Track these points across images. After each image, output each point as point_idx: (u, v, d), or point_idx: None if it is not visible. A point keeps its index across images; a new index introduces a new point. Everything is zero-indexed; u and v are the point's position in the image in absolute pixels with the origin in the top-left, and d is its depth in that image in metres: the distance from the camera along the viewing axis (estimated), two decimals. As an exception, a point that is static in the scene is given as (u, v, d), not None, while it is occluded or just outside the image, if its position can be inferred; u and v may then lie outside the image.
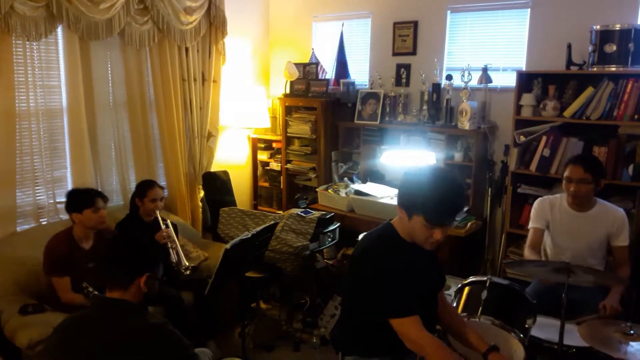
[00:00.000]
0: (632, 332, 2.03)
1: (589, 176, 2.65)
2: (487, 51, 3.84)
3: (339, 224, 3.79)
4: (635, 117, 3.11)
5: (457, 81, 3.82)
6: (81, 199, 2.83)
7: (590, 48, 3.22)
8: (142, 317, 1.75)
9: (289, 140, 4.63)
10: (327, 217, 3.72)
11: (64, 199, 3.40)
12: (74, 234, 2.87)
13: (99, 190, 3.00)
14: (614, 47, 3.12)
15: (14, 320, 2.70)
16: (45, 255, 2.82)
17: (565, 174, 2.73)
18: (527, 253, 2.86)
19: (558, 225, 2.81)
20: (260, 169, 4.89)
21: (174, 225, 3.37)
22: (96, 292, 2.57)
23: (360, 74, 4.49)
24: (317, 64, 4.47)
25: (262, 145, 4.88)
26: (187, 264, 3.15)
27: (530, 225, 2.91)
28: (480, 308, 2.19)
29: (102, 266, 1.80)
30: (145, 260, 1.84)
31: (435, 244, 1.87)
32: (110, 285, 1.77)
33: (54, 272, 2.79)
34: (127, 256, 1.82)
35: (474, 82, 3.75)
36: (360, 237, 2.19)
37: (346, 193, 4.08)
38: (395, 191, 3.89)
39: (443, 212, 1.81)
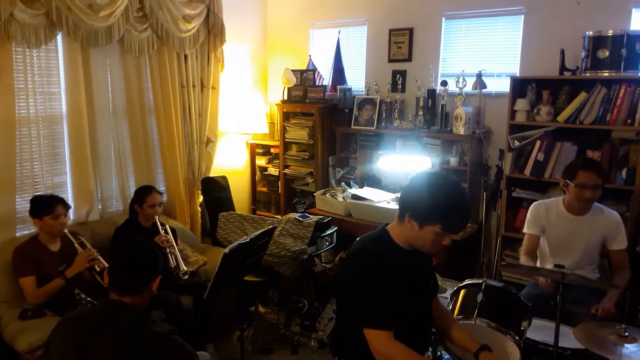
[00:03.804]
0: (626, 334, 2.04)
1: (601, 181, 2.67)
2: (481, 57, 3.89)
3: (336, 228, 3.81)
4: (628, 121, 3.15)
5: (452, 87, 3.86)
6: (41, 206, 2.89)
7: (583, 54, 3.26)
8: (146, 324, 1.75)
9: (286, 146, 4.67)
10: (325, 221, 3.74)
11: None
12: (40, 238, 2.93)
13: (62, 197, 3.00)
14: (607, 53, 3.15)
15: (13, 324, 2.72)
16: (14, 259, 2.87)
17: (578, 180, 2.66)
18: (523, 260, 2.87)
19: (555, 229, 2.82)
20: (258, 174, 4.92)
21: (173, 231, 3.40)
22: (89, 299, 2.59)
23: (356, 80, 4.53)
24: (314, 70, 4.51)
25: (261, 151, 4.91)
26: (185, 268, 3.17)
27: (526, 230, 2.91)
28: (476, 311, 2.20)
29: (116, 275, 1.80)
30: (157, 263, 1.88)
31: (439, 249, 1.89)
32: (121, 291, 1.78)
33: (21, 272, 2.83)
34: (142, 264, 1.84)
35: (468, 88, 3.79)
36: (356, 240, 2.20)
37: (343, 197, 4.11)
38: (392, 195, 3.96)
39: (461, 221, 1.89)
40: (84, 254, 2.89)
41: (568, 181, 2.72)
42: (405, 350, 1.82)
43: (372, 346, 1.82)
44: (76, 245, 2.96)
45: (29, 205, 3.02)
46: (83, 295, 2.58)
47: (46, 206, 2.88)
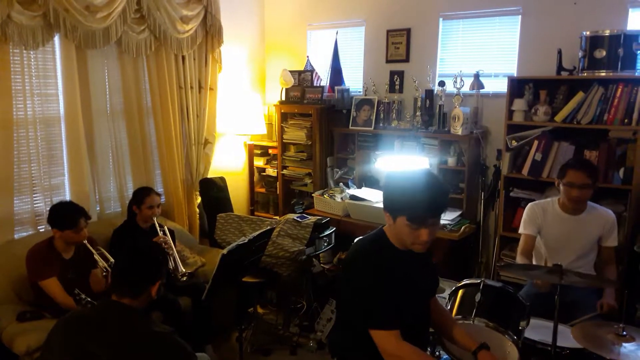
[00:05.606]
0: (624, 333, 2.05)
1: (591, 181, 2.67)
2: (478, 57, 3.89)
3: (334, 228, 3.81)
4: (625, 121, 3.16)
5: (449, 87, 3.86)
6: (63, 219, 2.82)
7: (580, 54, 3.27)
8: (147, 324, 1.76)
9: (284, 147, 4.67)
10: (323, 222, 3.74)
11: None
12: (55, 244, 2.87)
13: (82, 207, 2.94)
14: (604, 53, 3.16)
15: (12, 327, 2.71)
16: (28, 263, 2.82)
17: (567, 179, 2.70)
18: (519, 260, 2.88)
19: (551, 229, 2.83)
20: (256, 175, 4.92)
21: (171, 232, 3.39)
22: (89, 299, 2.59)
23: (354, 81, 4.53)
24: (312, 71, 4.51)
25: (259, 152, 4.91)
26: (183, 270, 3.17)
27: (522, 231, 2.92)
28: (474, 310, 2.20)
29: (116, 277, 1.82)
30: (158, 269, 1.89)
31: (423, 246, 1.83)
32: (121, 293, 1.78)
33: (40, 276, 2.78)
34: (142, 268, 1.85)
35: (466, 88, 3.79)
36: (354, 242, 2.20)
37: (342, 198, 4.11)
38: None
39: (423, 210, 1.77)
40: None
41: (559, 180, 2.76)
42: (415, 350, 1.81)
43: (381, 347, 1.80)
44: (96, 256, 2.90)
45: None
46: (83, 296, 2.57)
47: (70, 221, 2.80)
